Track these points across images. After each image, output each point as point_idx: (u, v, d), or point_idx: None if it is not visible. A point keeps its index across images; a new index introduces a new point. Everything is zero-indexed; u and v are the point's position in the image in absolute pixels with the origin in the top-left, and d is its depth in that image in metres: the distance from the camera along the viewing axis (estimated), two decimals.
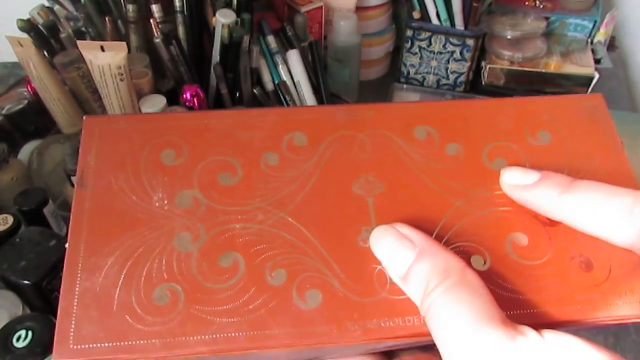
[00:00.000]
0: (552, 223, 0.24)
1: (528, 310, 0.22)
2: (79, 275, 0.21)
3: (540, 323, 0.22)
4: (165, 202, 0.23)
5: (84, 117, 0.24)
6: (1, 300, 0.41)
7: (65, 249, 0.22)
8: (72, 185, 0.54)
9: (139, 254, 0.22)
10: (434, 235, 0.23)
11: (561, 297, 0.22)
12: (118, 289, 0.21)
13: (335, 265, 0.22)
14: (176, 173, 0.23)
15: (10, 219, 0.47)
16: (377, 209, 0.23)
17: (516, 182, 0.23)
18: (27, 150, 0.61)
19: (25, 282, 0.41)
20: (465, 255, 0.23)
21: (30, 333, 0.36)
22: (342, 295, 0.22)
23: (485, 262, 0.23)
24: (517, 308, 0.22)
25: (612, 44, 0.91)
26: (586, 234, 0.23)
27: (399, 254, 0.21)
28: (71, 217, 0.22)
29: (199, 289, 0.21)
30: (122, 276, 0.21)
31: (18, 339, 0.36)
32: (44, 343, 0.36)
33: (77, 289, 0.21)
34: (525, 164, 0.25)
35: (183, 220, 0.22)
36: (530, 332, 0.18)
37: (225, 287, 0.21)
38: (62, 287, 0.21)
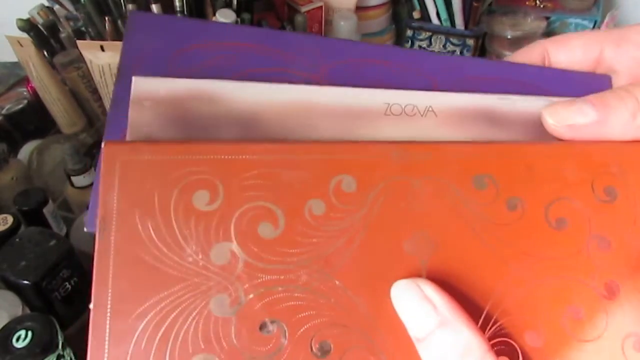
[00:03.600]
0: (611, 295, 0.22)
1: None
2: (107, 341, 0.19)
3: None
4: (200, 256, 0.20)
5: (103, 143, 0.21)
6: (1, 300, 0.41)
7: (88, 309, 0.19)
8: (72, 185, 0.54)
9: (172, 318, 0.19)
10: (487, 306, 0.21)
11: None
12: (151, 359, 0.19)
13: (384, 337, 0.20)
14: (211, 221, 0.21)
15: (10, 219, 0.47)
16: (429, 272, 0.21)
17: (574, 122, 0.23)
18: (27, 150, 0.61)
19: (25, 282, 0.41)
20: (518, 329, 0.21)
21: (30, 333, 0.36)
22: None
23: (539, 338, 0.21)
24: None
25: None
26: None
27: (419, 317, 0.20)
28: (94, 271, 0.20)
29: None
30: (155, 344, 0.19)
31: (18, 339, 0.36)
32: (43, 343, 0.36)
33: (105, 358, 0.19)
34: (589, 225, 0.23)
35: (219, 279, 0.20)
36: None
37: (267, 359, 0.20)
38: (88, 355, 0.19)
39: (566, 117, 0.23)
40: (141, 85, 0.22)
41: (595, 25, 0.82)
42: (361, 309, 0.21)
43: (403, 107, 0.24)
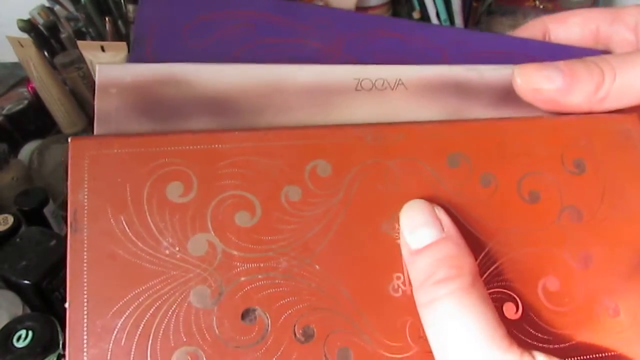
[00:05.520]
0: (585, 265, 0.23)
1: None
2: (85, 341, 0.19)
3: None
4: (177, 248, 0.20)
5: (70, 140, 0.20)
6: (1, 300, 0.42)
7: (64, 308, 0.19)
8: None
9: (152, 312, 0.19)
10: None
11: (589, 345, 0.21)
12: (132, 355, 0.19)
13: (366, 318, 0.20)
14: (186, 212, 0.20)
15: (10, 219, 0.47)
16: None
17: (539, 86, 0.23)
18: (27, 150, 0.61)
19: (26, 282, 0.41)
20: (497, 302, 0.21)
21: (30, 333, 0.36)
22: (374, 352, 0.20)
23: (517, 310, 0.21)
24: None
25: None
26: (619, 276, 0.22)
27: (424, 228, 0.20)
28: (68, 270, 0.19)
29: (222, 352, 0.19)
30: (135, 340, 0.19)
31: (18, 339, 0.36)
32: (44, 343, 0.36)
33: (85, 358, 0.18)
34: (561, 197, 0.23)
35: (198, 270, 0.20)
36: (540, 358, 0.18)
37: (251, 348, 0.19)
38: (67, 356, 0.18)
39: (533, 80, 0.24)
40: (106, 72, 0.22)
41: None
42: (342, 292, 0.21)
43: (373, 81, 0.24)
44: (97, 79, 0.22)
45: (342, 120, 0.24)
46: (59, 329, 0.37)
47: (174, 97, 0.22)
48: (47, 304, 0.42)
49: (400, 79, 0.25)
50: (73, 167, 0.20)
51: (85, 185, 0.20)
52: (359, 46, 0.26)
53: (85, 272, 0.19)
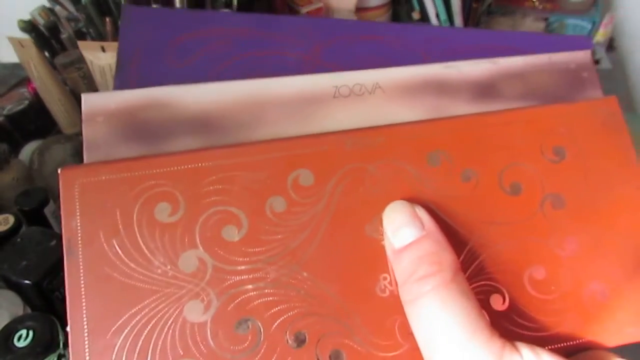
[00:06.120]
0: (570, 251, 0.23)
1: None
2: None
3: None
4: (169, 267, 0.21)
5: (59, 171, 0.21)
6: (2, 300, 0.42)
7: (66, 331, 0.20)
8: None
9: (149, 330, 0.20)
10: None
11: (578, 330, 0.22)
12: None
13: (356, 320, 0.21)
14: (175, 231, 0.21)
15: (11, 219, 0.47)
16: None
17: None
18: (28, 150, 0.61)
19: (26, 282, 0.41)
20: (484, 295, 0.22)
21: (31, 333, 0.37)
22: (366, 352, 0.21)
23: (504, 301, 0.22)
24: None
25: (611, 45, 0.91)
26: (605, 259, 0.23)
27: (406, 228, 0.21)
28: (67, 293, 0.20)
29: None
30: (135, 357, 0.20)
31: (19, 339, 0.36)
32: (44, 343, 0.36)
33: None
34: (542, 186, 0.24)
35: (191, 286, 0.21)
36: (525, 352, 0.18)
37: (245, 356, 0.20)
38: None
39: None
40: (91, 101, 0.23)
41: (594, 26, 0.82)
42: (331, 296, 0.21)
43: (351, 87, 0.25)
44: (83, 108, 0.23)
45: (322, 129, 0.24)
46: (59, 328, 0.37)
47: (157, 120, 0.23)
48: (47, 303, 0.43)
49: (377, 83, 0.25)
50: (64, 196, 0.21)
51: (77, 213, 0.21)
52: (339, 52, 0.27)
53: (83, 296, 0.20)
